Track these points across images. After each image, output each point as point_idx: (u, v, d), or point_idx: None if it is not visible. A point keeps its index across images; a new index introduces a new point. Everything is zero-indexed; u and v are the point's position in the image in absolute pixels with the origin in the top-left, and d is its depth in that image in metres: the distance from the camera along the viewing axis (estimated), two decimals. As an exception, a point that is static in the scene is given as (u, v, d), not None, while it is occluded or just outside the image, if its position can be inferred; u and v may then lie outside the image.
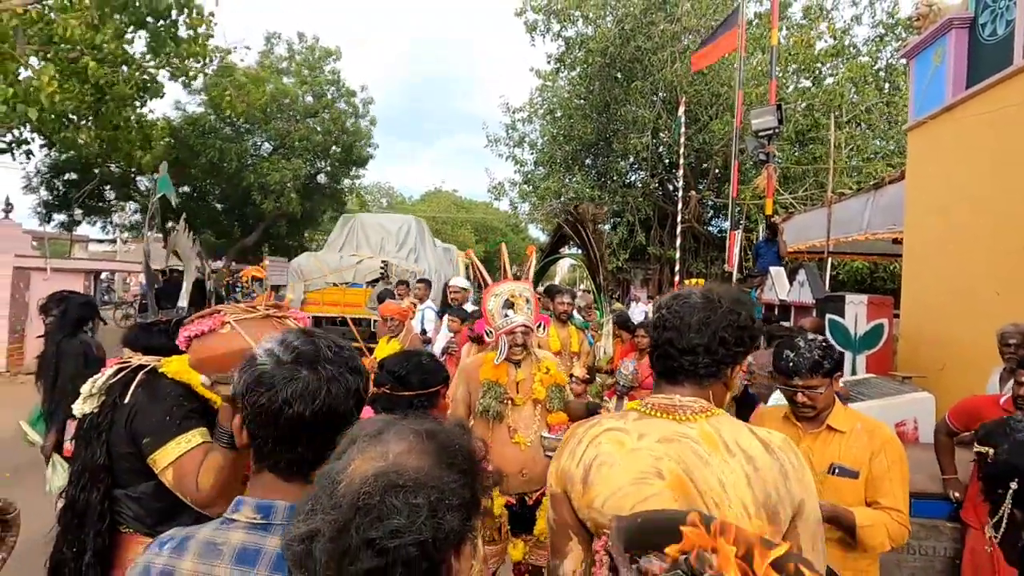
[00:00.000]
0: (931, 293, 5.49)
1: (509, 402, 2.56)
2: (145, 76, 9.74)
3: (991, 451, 1.11)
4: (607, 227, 16.98)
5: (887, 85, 14.94)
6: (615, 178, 16.94)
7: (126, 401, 1.54)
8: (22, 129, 10.64)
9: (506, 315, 2.60)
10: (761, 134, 7.80)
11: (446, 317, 5.18)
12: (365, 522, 0.59)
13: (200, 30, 9.36)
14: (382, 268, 9.20)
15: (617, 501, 1.09)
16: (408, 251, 10.30)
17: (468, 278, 7.91)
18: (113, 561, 1.54)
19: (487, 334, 2.68)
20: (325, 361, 0.91)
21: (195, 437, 1.51)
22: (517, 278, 2.94)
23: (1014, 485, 1.03)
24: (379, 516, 0.59)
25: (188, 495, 1.45)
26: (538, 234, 20.68)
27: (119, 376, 1.60)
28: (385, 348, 3.92)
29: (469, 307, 5.43)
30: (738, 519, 1.00)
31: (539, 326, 2.83)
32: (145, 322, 1.72)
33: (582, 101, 16.78)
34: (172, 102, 17.05)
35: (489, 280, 2.79)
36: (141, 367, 1.60)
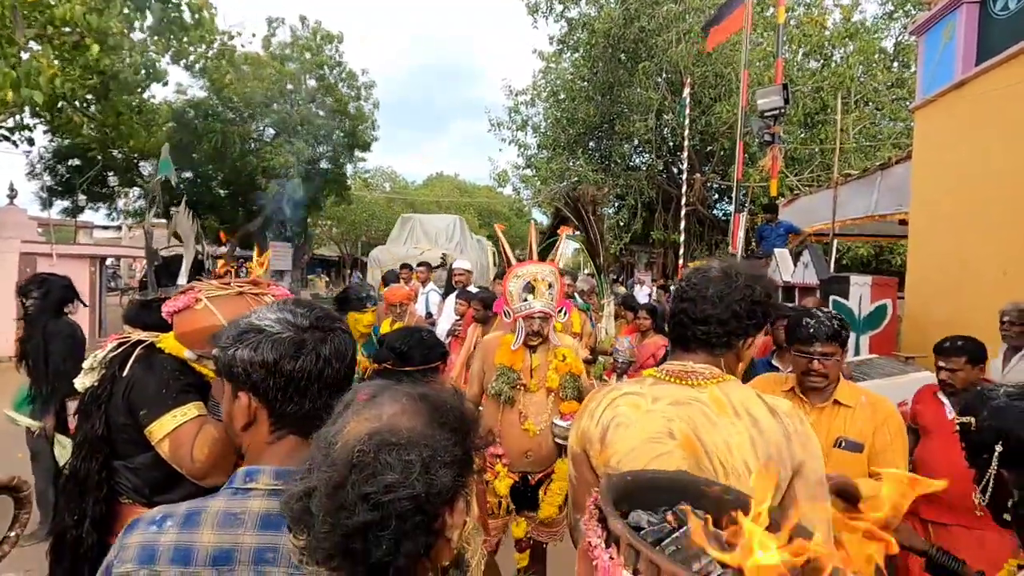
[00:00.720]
0: (936, 273, 5.45)
1: (522, 388, 2.52)
2: (148, 61, 9.70)
3: (973, 420, 1.12)
4: (610, 210, 16.89)
5: (896, 64, 14.71)
6: (619, 161, 16.78)
7: (124, 374, 1.57)
8: (23, 115, 10.64)
9: (525, 299, 2.53)
10: (767, 114, 7.72)
11: (450, 299, 5.18)
12: (360, 478, 0.61)
13: (203, 14, 9.28)
14: (442, 257, 10.95)
15: (632, 459, 1.17)
16: (455, 244, 12.65)
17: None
18: (113, 529, 1.57)
19: (505, 315, 2.62)
20: (336, 322, 0.95)
21: (191, 410, 1.54)
22: (543, 259, 2.82)
23: (999, 448, 1.06)
24: (374, 472, 0.61)
25: (184, 466, 1.49)
26: (542, 218, 20.61)
27: (119, 350, 1.63)
28: (389, 331, 3.97)
29: (472, 289, 5.43)
30: (739, 476, 1.08)
31: (560, 311, 2.72)
32: (144, 299, 1.75)
33: (585, 83, 16.59)
34: (174, 85, 16.93)
35: (514, 260, 2.71)
36: (140, 342, 1.63)
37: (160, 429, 1.50)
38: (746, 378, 3.01)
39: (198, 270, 1.87)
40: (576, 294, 4.88)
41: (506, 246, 2.82)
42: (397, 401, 0.69)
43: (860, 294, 5.11)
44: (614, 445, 1.20)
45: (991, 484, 1.07)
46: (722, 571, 0.59)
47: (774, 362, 3.24)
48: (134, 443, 1.57)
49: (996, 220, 4.61)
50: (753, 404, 1.17)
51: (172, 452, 1.49)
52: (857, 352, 4.99)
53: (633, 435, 1.19)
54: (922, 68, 6.05)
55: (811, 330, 1.95)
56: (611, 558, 0.58)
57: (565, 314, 3.29)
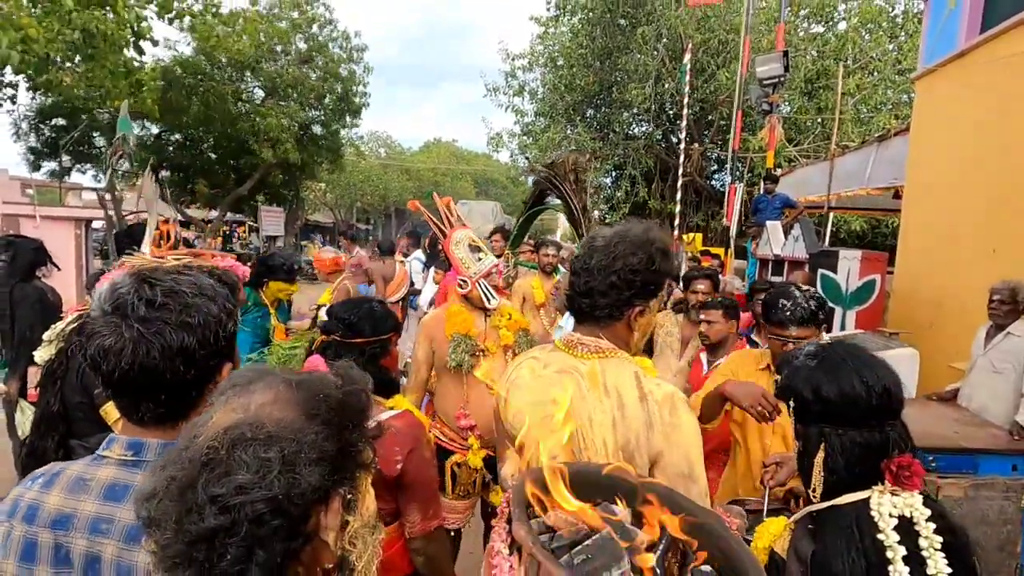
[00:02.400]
0: (927, 249, 5.41)
1: (481, 353, 2.48)
2: (133, 17, 9.34)
3: (778, 378, 1.24)
4: (607, 180, 16.68)
5: (902, 33, 14.33)
6: (617, 130, 16.46)
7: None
8: (3, 73, 10.28)
9: (479, 259, 2.50)
10: (766, 83, 7.53)
11: (432, 269, 5.13)
12: (211, 478, 0.55)
13: None
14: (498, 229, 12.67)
15: (520, 418, 1.24)
16: (496, 222, 14.62)
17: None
18: None
19: (461, 284, 2.53)
20: (135, 319, 0.81)
21: None
22: (524, 230, 2.80)
23: (791, 403, 1.16)
24: (226, 471, 0.55)
25: None
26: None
27: (78, 323, 1.56)
28: (325, 297, 4.03)
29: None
30: (596, 454, 1.11)
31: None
32: (104, 268, 1.69)
33: (583, 49, 16.13)
34: (163, 42, 16.36)
35: (446, 229, 2.60)
36: None
37: (114, 411, 1.45)
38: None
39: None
40: (560, 264, 4.84)
41: (431, 218, 2.70)
42: (271, 389, 0.63)
43: (848, 268, 5.07)
44: (511, 405, 1.29)
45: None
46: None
47: (754, 337, 3.21)
48: (90, 421, 1.51)
49: (989, 196, 4.54)
50: (625, 385, 1.17)
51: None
52: (843, 327, 4.99)
53: (523, 396, 1.25)
54: (925, 36, 5.88)
55: (787, 313, 1.92)
56: (511, 567, 0.54)
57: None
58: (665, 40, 14.58)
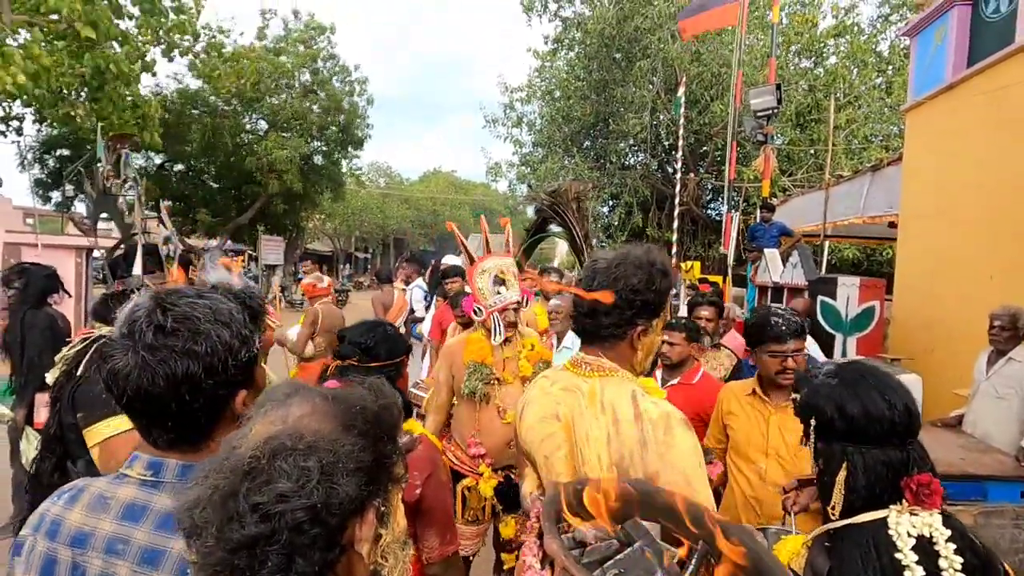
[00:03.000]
0: (924, 276, 5.46)
1: (496, 382, 2.48)
2: (138, 52, 9.60)
3: (797, 397, 1.23)
4: (604, 208, 16.87)
5: (889, 68, 14.74)
6: (613, 160, 16.76)
7: (79, 372, 1.51)
8: (11, 105, 10.46)
9: (498, 292, 2.50)
10: (760, 114, 7.71)
11: (434, 298, 5.15)
12: (253, 486, 0.56)
13: (188, 4, 9.19)
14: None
15: (530, 434, 1.29)
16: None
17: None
18: None
19: (476, 312, 2.56)
20: (142, 346, 0.81)
21: (124, 421, 1.41)
22: (527, 257, 2.83)
23: (813, 421, 1.16)
24: (267, 480, 0.56)
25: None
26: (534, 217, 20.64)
27: (81, 347, 1.58)
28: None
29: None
30: (592, 468, 1.14)
31: (523, 300, 2.75)
32: (107, 293, 1.71)
33: (580, 82, 16.54)
34: (167, 72, 16.80)
35: (475, 256, 2.65)
36: (101, 338, 1.58)
37: (93, 436, 1.40)
38: (734, 379, 3.01)
39: (155, 257, 1.82)
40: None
41: (464, 242, 2.74)
42: (308, 402, 0.64)
43: (848, 295, 5.10)
44: (523, 421, 1.34)
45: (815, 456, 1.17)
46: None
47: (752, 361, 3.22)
48: (81, 444, 1.47)
49: (984, 224, 4.62)
50: (621, 404, 1.20)
51: (102, 464, 1.38)
52: (844, 353, 4.99)
53: (533, 413, 1.30)
54: (914, 70, 6.05)
55: (782, 327, 1.97)
56: (544, 581, 0.54)
57: (527, 302, 3.25)
58: (660, 73, 14.95)
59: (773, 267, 6.53)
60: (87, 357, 1.54)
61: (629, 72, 15.13)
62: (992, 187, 4.54)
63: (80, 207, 16.99)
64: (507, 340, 2.53)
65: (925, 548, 1.01)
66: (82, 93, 9.82)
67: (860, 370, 1.18)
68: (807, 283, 5.73)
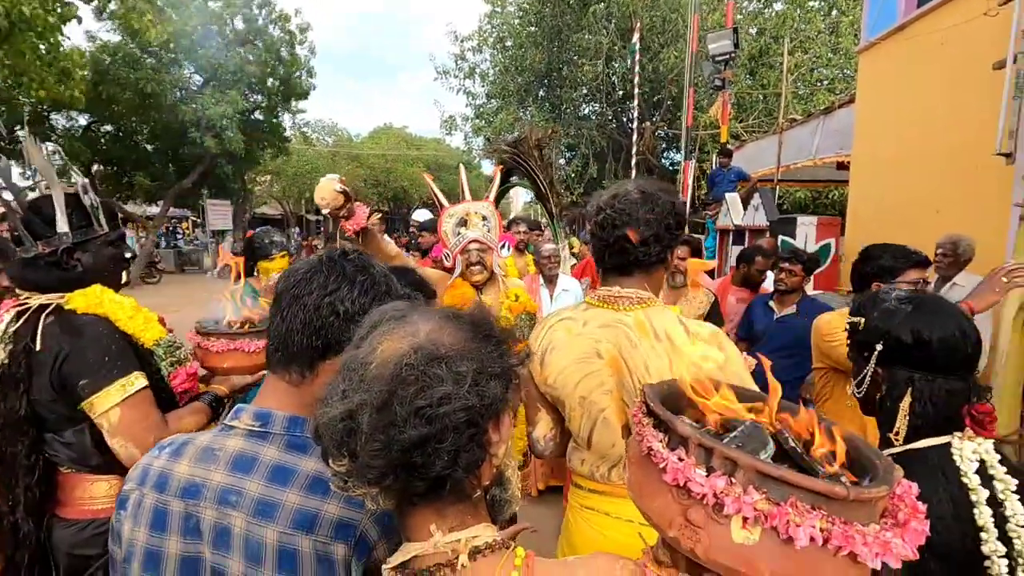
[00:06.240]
0: (875, 213, 5.78)
1: None
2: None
3: (862, 320, 1.24)
4: (562, 160, 16.83)
5: (833, 11, 15.01)
6: (569, 110, 16.62)
7: (39, 347, 1.38)
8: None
9: (459, 233, 2.45)
10: (718, 59, 7.77)
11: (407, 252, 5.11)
12: (411, 392, 0.59)
13: None
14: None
15: (564, 377, 1.32)
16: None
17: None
18: (61, 501, 1.46)
19: (444, 258, 2.52)
20: (346, 261, 0.92)
21: (139, 379, 1.40)
22: (477, 198, 2.73)
23: (879, 346, 1.17)
24: (424, 386, 0.59)
25: (137, 442, 1.34)
26: (491, 170, 20.36)
27: (22, 320, 1.41)
28: None
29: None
30: None
31: (503, 245, 2.67)
32: (27, 256, 1.43)
33: (533, 28, 16.13)
34: (83, 32, 15.27)
35: (446, 203, 2.57)
36: (43, 307, 1.42)
37: (105, 400, 1.35)
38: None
39: (81, 209, 1.49)
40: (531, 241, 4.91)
41: (436, 191, 2.65)
42: (431, 319, 0.66)
43: (806, 233, 5.37)
44: (550, 366, 1.35)
45: (867, 379, 1.21)
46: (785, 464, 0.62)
47: (771, 304, 3.42)
48: (64, 418, 1.42)
49: (932, 161, 4.89)
50: (673, 329, 1.25)
51: (128, 423, 1.35)
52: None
53: (565, 355, 1.32)
54: (867, 11, 6.21)
55: (919, 255, 2.15)
56: (680, 459, 0.60)
57: (509, 248, 3.15)
58: (616, 18, 14.74)
59: (735, 211, 6.75)
60: (40, 330, 1.39)
61: (583, 17, 14.84)
62: (940, 126, 4.79)
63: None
64: (479, 287, 2.48)
65: (984, 473, 1.06)
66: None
67: (938, 300, 1.20)
68: (768, 223, 5.98)
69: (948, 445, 1.10)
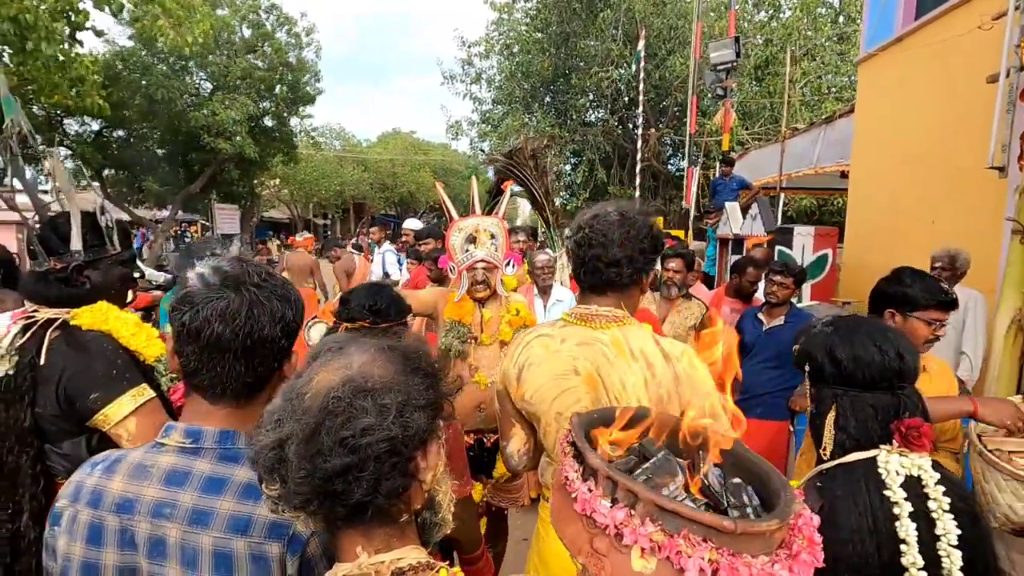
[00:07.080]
0: (873, 223, 5.77)
1: (472, 341, 2.48)
2: (67, 3, 8.82)
3: (797, 347, 1.31)
4: (567, 166, 16.87)
5: (841, 18, 14.98)
6: (574, 116, 16.66)
7: (44, 361, 1.41)
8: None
9: (467, 250, 2.50)
10: (719, 68, 7.79)
11: (405, 259, 5.18)
12: (337, 423, 0.63)
13: None
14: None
15: (541, 393, 1.33)
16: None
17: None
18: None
19: (450, 270, 2.57)
20: (250, 285, 0.90)
21: (147, 390, 1.44)
22: (488, 213, 2.78)
23: (807, 368, 1.23)
24: (351, 417, 0.64)
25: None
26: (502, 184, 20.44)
27: (28, 334, 1.45)
28: None
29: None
30: None
31: (508, 263, 2.70)
32: (39, 270, 1.48)
33: (540, 35, 16.21)
34: (100, 35, 15.49)
35: (456, 215, 2.62)
36: (50, 321, 1.46)
37: (119, 410, 1.39)
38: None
39: (95, 229, 1.54)
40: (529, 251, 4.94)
41: (447, 202, 2.70)
42: (366, 351, 0.71)
43: (803, 244, 5.37)
44: (527, 383, 1.35)
45: (808, 400, 1.27)
46: (686, 496, 0.66)
47: (760, 315, 3.45)
48: (64, 432, 1.45)
49: (928, 172, 4.89)
50: (648, 348, 1.28)
51: (142, 432, 1.38)
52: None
53: (543, 372, 1.33)
54: (866, 22, 6.21)
55: (949, 297, 1.98)
56: (589, 490, 0.63)
57: (514, 266, 3.23)
58: (623, 25, 14.79)
59: (734, 219, 6.76)
60: (46, 345, 1.42)
61: (591, 24, 14.90)
62: (937, 137, 4.78)
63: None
64: (482, 302, 2.52)
65: (914, 488, 1.05)
66: (3, 52, 9.04)
67: (856, 320, 1.25)
68: (767, 234, 5.98)
69: (875, 458, 1.11)
